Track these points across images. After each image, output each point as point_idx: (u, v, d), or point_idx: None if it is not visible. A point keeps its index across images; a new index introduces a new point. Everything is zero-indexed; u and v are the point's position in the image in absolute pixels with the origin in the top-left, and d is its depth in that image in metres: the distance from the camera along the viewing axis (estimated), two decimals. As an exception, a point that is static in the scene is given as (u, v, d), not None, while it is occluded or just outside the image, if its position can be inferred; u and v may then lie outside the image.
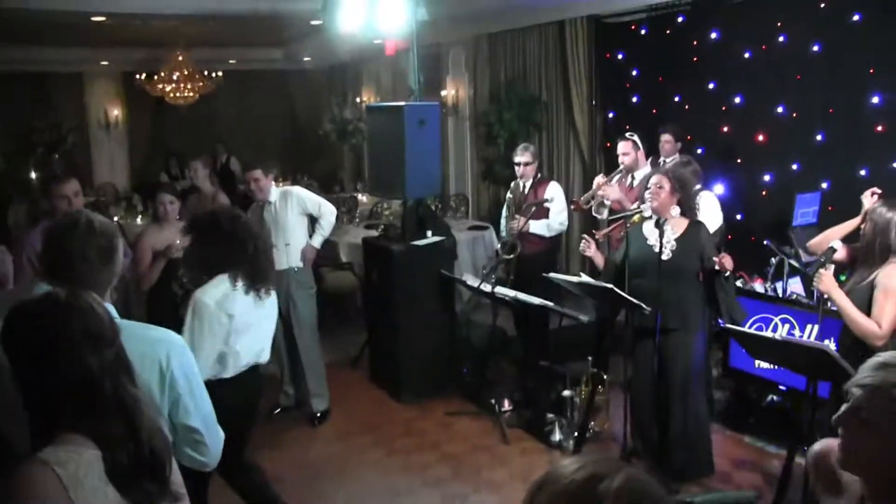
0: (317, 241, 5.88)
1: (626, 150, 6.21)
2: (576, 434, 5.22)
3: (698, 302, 4.56)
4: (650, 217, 4.62)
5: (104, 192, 12.51)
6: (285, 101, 15.20)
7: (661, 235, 4.43)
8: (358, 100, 13.31)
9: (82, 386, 1.69)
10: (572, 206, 6.74)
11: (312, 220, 5.92)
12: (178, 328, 3.30)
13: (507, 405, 5.90)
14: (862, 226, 4.04)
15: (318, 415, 5.96)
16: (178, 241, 4.82)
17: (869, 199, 4.35)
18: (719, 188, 6.74)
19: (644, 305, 4.42)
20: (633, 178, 6.23)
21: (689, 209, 4.62)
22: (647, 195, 4.55)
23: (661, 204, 4.49)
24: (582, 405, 5.42)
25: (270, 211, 5.77)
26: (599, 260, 5.01)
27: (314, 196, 5.94)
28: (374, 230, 7.73)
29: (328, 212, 5.88)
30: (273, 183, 5.86)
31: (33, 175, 12.14)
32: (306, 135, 14.60)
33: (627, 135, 6.29)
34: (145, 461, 1.74)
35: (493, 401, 5.91)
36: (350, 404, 6.28)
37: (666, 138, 6.41)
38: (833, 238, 4.17)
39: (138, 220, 9.45)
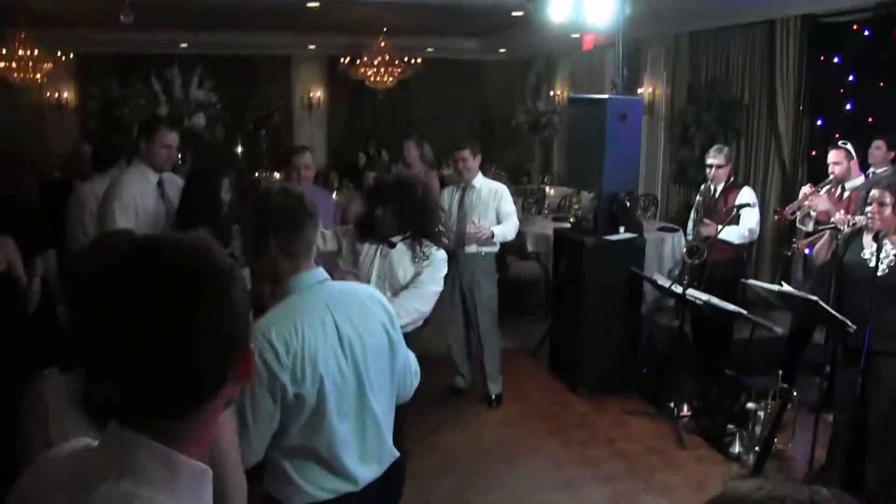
0: (497, 231, 5.79)
1: (838, 159, 5.83)
2: (756, 449, 5.02)
3: None
4: (855, 227, 4.32)
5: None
6: (477, 91, 15.44)
7: (879, 250, 4.14)
8: (551, 93, 13.33)
9: None
10: (776, 217, 6.39)
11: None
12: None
13: (685, 410, 5.76)
14: None
15: (494, 397, 6.08)
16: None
17: None
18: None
19: (849, 323, 4.17)
20: (843, 188, 5.88)
21: None
22: (867, 210, 4.19)
23: (882, 221, 4.15)
24: (768, 420, 5.18)
25: (471, 195, 5.91)
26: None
27: (512, 205, 5.98)
28: (562, 222, 7.72)
29: (513, 225, 5.90)
30: (478, 166, 5.99)
31: (240, 150, 13.09)
32: (497, 125, 14.78)
33: (840, 143, 5.91)
34: None
35: (671, 404, 5.79)
36: (526, 392, 6.36)
37: (877, 144, 6.01)
38: None
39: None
